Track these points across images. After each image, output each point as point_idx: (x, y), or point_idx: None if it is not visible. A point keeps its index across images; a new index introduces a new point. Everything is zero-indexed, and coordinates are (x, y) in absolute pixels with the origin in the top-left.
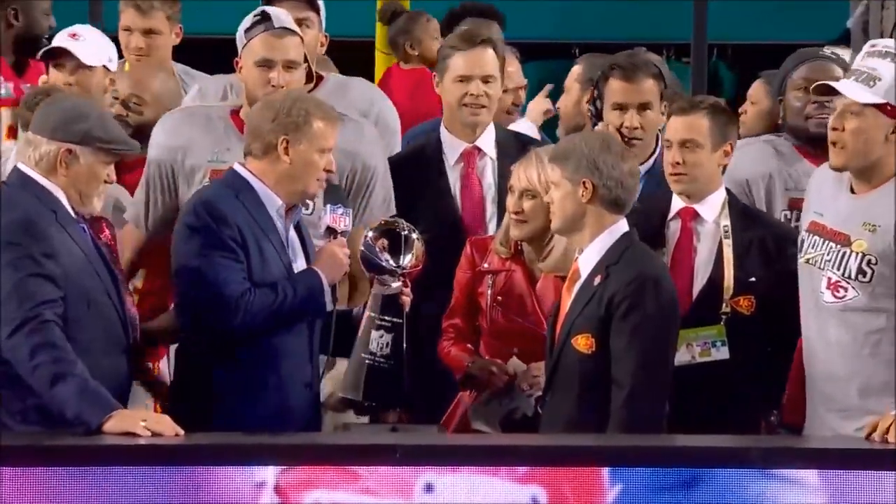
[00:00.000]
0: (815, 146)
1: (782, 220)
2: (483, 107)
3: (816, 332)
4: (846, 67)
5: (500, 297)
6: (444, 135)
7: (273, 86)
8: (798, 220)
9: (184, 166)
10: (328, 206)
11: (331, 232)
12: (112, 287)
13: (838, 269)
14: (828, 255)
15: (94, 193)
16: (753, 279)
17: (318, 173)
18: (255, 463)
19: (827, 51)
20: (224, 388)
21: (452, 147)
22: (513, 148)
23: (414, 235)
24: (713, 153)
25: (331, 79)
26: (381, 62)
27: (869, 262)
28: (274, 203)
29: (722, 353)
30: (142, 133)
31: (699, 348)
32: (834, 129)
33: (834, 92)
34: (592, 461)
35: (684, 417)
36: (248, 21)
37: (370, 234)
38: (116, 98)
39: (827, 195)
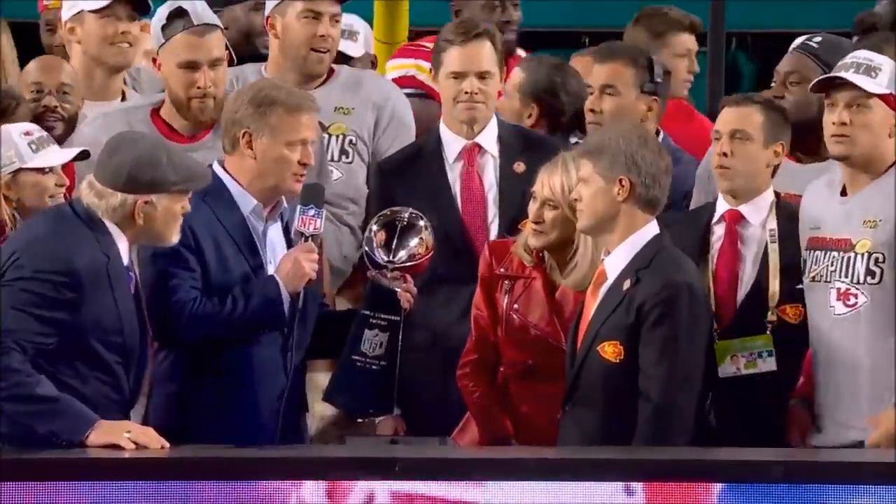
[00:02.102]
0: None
1: None
2: (479, 103)
3: (832, 351)
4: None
5: (516, 305)
6: (444, 131)
7: (199, 87)
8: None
9: None
10: (299, 206)
11: (300, 235)
12: (138, 347)
13: (846, 277)
14: (832, 265)
15: (172, 231)
16: (801, 286)
17: (291, 168)
18: (248, 478)
19: (816, 39)
20: (192, 401)
21: (451, 144)
22: (517, 144)
23: (421, 223)
24: (764, 150)
25: (343, 71)
26: (379, 51)
27: (876, 261)
28: (248, 203)
29: (769, 364)
30: (74, 123)
31: (744, 359)
32: (843, 123)
33: (834, 85)
34: (612, 476)
35: (729, 431)
36: (162, 16)
37: (373, 226)
38: (41, 91)
39: (819, 207)
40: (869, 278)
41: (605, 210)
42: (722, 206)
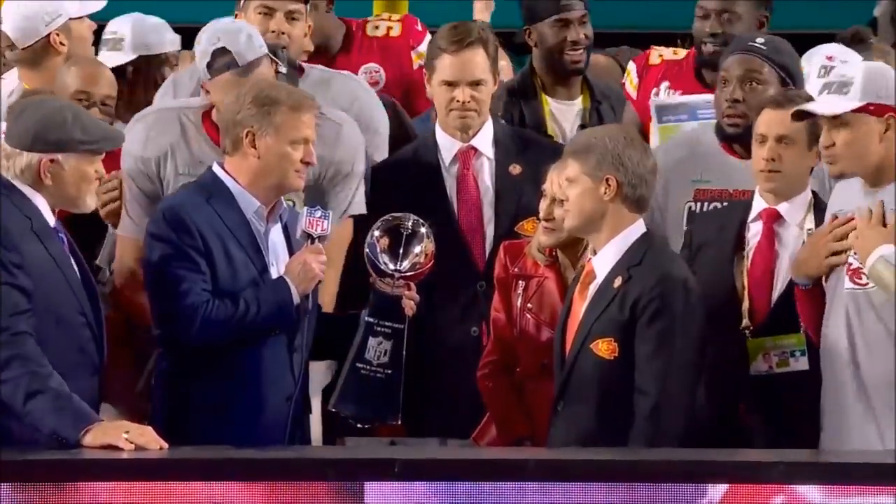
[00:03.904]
0: (734, 142)
1: (685, 210)
2: (471, 111)
3: (838, 329)
4: (777, 61)
5: (530, 305)
6: (439, 135)
7: None
8: (702, 209)
9: (160, 177)
10: (305, 208)
11: (307, 237)
12: (88, 304)
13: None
14: None
15: (86, 194)
16: None
17: (294, 166)
18: (244, 479)
19: (759, 41)
20: (198, 404)
21: (447, 147)
22: (513, 146)
23: (423, 230)
24: (808, 152)
25: (313, 72)
26: None
27: None
28: (250, 205)
29: (801, 363)
30: None
31: (777, 358)
32: (826, 146)
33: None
34: (605, 477)
35: (760, 430)
36: (206, 50)
37: (375, 232)
38: (90, 101)
39: (848, 196)
40: None
41: (593, 209)
42: (759, 203)
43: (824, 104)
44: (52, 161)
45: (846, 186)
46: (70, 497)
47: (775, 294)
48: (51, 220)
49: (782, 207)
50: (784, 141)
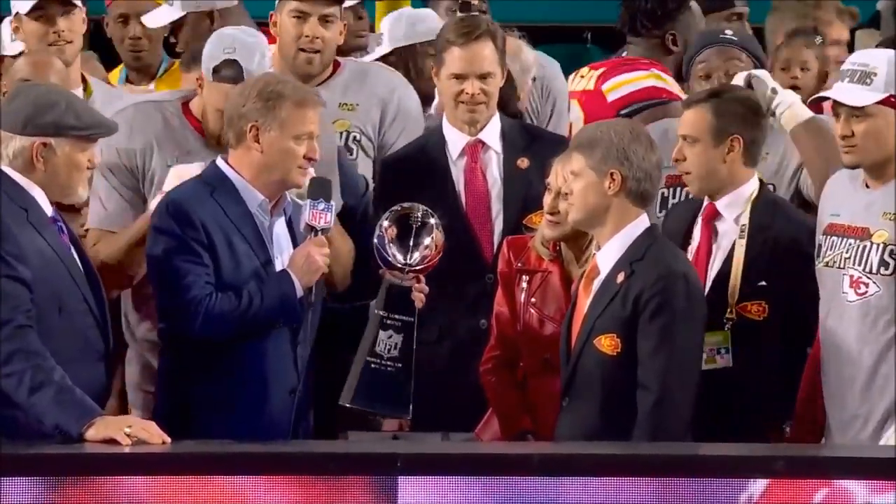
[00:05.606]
0: None
1: (657, 197)
2: (480, 103)
3: (838, 339)
4: (750, 49)
5: (533, 300)
6: (447, 128)
7: None
8: (674, 196)
9: (144, 170)
10: (308, 201)
11: (310, 230)
12: (90, 291)
13: (859, 265)
14: (847, 252)
15: (77, 183)
16: (764, 283)
17: (297, 162)
18: (246, 472)
19: (728, 33)
20: (201, 398)
21: (455, 141)
22: (520, 140)
23: (432, 221)
24: (715, 148)
25: (348, 65)
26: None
27: (891, 253)
28: (254, 198)
29: (726, 360)
30: None
31: (704, 355)
32: (844, 136)
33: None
34: (611, 471)
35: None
36: (217, 56)
37: (384, 222)
38: None
39: (842, 196)
40: (882, 269)
41: (597, 203)
42: (707, 200)
43: (848, 94)
44: (44, 145)
45: (838, 185)
46: (79, 492)
47: (705, 291)
48: (48, 210)
49: (720, 204)
50: (686, 140)
